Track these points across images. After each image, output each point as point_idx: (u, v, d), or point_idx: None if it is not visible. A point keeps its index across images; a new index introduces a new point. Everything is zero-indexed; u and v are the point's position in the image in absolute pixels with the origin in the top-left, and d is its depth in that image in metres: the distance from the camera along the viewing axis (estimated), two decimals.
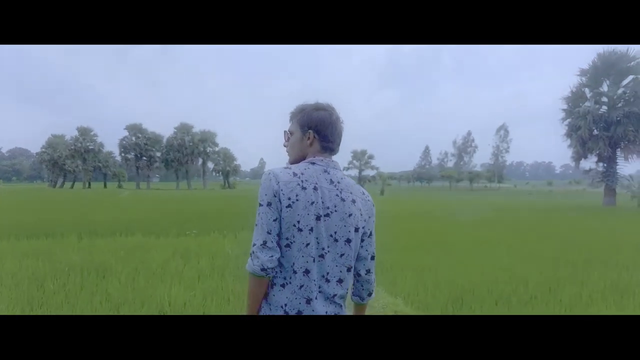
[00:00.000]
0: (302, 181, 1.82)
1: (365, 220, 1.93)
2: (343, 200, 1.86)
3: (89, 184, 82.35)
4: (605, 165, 31.27)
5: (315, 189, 1.82)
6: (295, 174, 1.84)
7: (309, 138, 1.94)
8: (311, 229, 1.80)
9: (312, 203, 1.80)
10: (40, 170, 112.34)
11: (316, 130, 1.93)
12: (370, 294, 2.09)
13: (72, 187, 79.32)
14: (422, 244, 10.59)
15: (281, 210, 1.80)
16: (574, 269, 7.86)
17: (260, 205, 1.82)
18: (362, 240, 1.95)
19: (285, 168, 1.88)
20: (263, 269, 1.78)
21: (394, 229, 13.13)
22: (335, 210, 1.83)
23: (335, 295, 1.87)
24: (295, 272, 1.82)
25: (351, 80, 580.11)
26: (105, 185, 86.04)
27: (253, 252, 1.81)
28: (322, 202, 1.82)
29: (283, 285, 1.84)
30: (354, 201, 1.89)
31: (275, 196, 1.80)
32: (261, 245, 1.79)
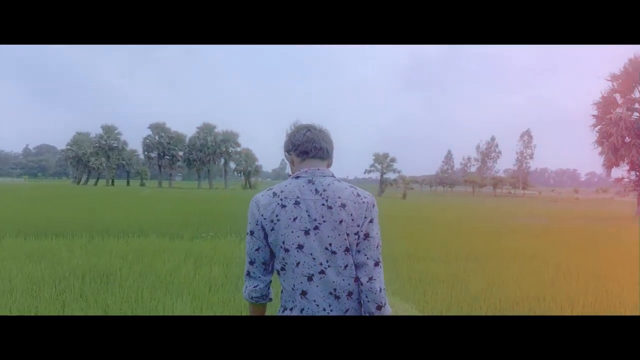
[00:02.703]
0: (281, 199, 1.78)
1: (358, 225, 1.77)
2: (330, 208, 1.75)
3: (112, 182, 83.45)
4: (638, 173, 30.27)
5: (296, 203, 1.76)
6: (275, 194, 1.81)
7: (286, 159, 1.98)
8: (299, 247, 1.74)
9: (295, 219, 1.74)
10: (66, 167, 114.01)
11: (288, 150, 1.94)
12: (379, 307, 1.83)
13: (95, 184, 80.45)
14: (451, 253, 9.87)
15: (267, 236, 1.79)
16: (619, 287, 7.10)
17: (247, 234, 1.86)
18: (358, 244, 1.79)
19: (268, 190, 1.85)
20: (251, 298, 1.87)
21: (420, 237, 12.49)
22: (324, 221, 1.74)
23: (348, 309, 1.79)
24: (297, 294, 1.78)
25: (374, 83, 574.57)
26: (128, 183, 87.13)
27: (244, 280, 1.89)
28: (309, 215, 1.75)
29: (291, 309, 1.80)
30: (343, 205, 1.76)
31: (257, 224, 1.80)
32: (246, 275, 1.87)
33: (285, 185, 1.81)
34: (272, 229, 1.76)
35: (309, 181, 1.80)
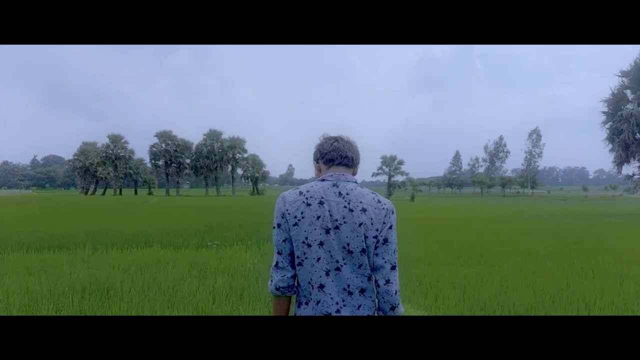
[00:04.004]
0: (306, 198, 1.90)
1: (377, 229, 1.88)
2: (351, 210, 1.86)
3: (120, 191, 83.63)
4: None
5: (321, 203, 1.87)
6: (301, 193, 1.93)
7: (315, 168, 2.11)
8: (320, 243, 1.85)
9: (319, 217, 1.86)
10: (74, 178, 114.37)
11: (316, 159, 2.08)
12: (393, 308, 1.97)
13: (103, 193, 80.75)
14: (462, 256, 9.65)
15: (289, 230, 1.90)
16: (638, 287, 6.85)
17: (273, 227, 1.96)
18: (376, 248, 1.90)
19: (294, 189, 1.98)
20: (277, 288, 1.94)
21: (430, 240, 12.26)
22: (345, 222, 1.85)
23: (360, 306, 1.89)
24: (313, 288, 1.88)
25: (381, 86, 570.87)
26: (136, 192, 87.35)
27: (270, 273, 1.98)
28: (330, 215, 1.86)
29: (307, 303, 1.91)
30: (364, 210, 1.87)
31: (283, 217, 1.92)
32: (274, 266, 1.96)
33: (311, 186, 1.94)
34: (295, 224, 1.88)
35: (334, 184, 1.93)
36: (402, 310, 2.02)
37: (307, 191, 1.91)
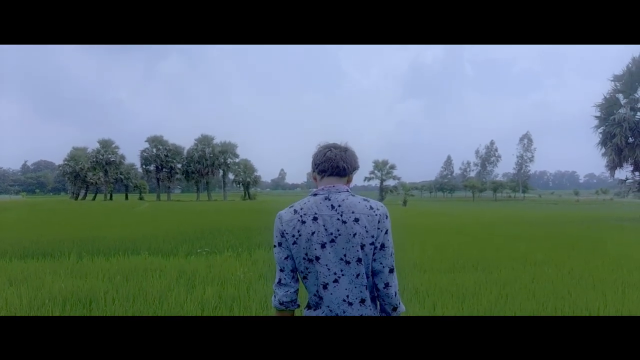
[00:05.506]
0: (301, 216, 1.96)
1: (372, 236, 1.92)
2: (345, 222, 1.91)
3: (111, 196, 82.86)
4: None
5: (315, 219, 1.94)
6: (295, 211, 1.99)
7: (312, 177, 2.15)
8: (316, 258, 1.92)
9: (313, 233, 1.92)
10: (64, 183, 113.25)
11: (312, 169, 2.12)
12: (395, 308, 2.07)
13: (94, 199, 79.92)
14: (458, 262, 9.41)
15: (290, 248, 1.98)
16: None
17: (274, 246, 2.04)
18: (374, 254, 1.96)
19: (290, 207, 2.03)
20: (281, 303, 2.02)
21: (424, 245, 12.02)
22: (339, 234, 1.91)
23: (362, 316, 1.93)
24: (320, 299, 1.96)
25: (373, 91, 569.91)
26: (126, 197, 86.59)
27: (274, 290, 2.06)
28: (325, 229, 1.92)
29: (315, 310, 2.00)
30: (356, 220, 1.92)
31: (283, 236, 1.99)
32: (277, 283, 2.04)
33: (305, 203, 2.00)
34: (294, 243, 1.95)
35: (326, 198, 1.98)
36: (404, 309, 2.11)
37: (301, 208, 1.98)
